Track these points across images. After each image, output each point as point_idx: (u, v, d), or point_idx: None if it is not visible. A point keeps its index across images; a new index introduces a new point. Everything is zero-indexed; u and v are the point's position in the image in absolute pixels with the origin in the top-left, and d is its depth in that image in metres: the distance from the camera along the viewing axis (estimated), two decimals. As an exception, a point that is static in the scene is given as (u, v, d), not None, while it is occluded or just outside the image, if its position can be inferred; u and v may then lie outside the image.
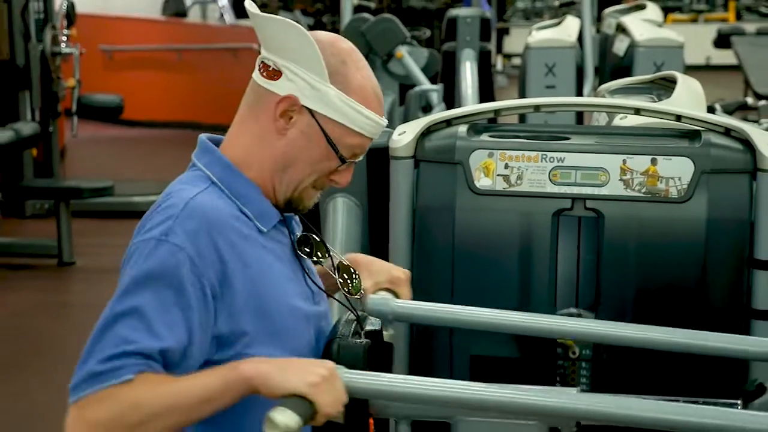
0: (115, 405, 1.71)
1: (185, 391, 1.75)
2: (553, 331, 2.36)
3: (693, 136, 2.61)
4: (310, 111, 1.92)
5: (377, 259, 2.24)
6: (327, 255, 2.07)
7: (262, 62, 1.94)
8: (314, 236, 2.07)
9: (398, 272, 2.19)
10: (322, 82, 1.90)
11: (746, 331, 2.52)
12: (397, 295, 2.14)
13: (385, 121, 1.98)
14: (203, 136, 2.01)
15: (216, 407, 1.76)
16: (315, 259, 2.05)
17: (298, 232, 2.05)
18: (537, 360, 2.53)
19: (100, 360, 1.73)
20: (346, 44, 1.98)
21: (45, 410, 4.93)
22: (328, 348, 2.02)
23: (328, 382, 1.72)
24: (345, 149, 1.94)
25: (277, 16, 1.95)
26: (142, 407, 1.72)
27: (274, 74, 1.92)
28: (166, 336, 1.76)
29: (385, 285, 2.15)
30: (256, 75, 1.95)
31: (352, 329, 2.06)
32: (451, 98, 7.31)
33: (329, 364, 1.78)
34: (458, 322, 2.29)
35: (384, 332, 2.12)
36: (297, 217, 2.09)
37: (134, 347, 1.73)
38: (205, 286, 1.81)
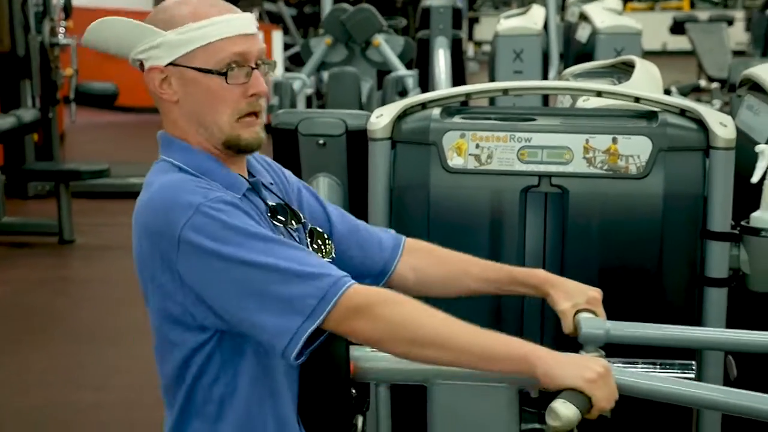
0: (385, 309, 1.79)
1: (466, 335, 1.80)
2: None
3: (651, 116, 2.62)
4: (171, 64, 1.88)
5: (569, 279, 2.16)
6: (300, 222, 2.04)
7: (134, 60, 1.93)
8: (288, 206, 2.04)
9: (594, 293, 2.12)
10: (160, 37, 1.87)
11: (700, 297, 2.56)
12: (595, 315, 2.09)
13: (230, 15, 1.90)
14: (160, 132, 1.98)
15: (484, 367, 1.80)
16: (289, 226, 2.00)
17: (273, 202, 2.00)
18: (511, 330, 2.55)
19: (316, 277, 1.78)
20: (167, 3, 1.94)
21: (46, 379, 4.91)
22: None
23: (604, 379, 1.72)
24: (221, 64, 1.87)
25: (103, 22, 1.95)
26: (414, 320, 1.79)
27: (139, 65, 1.92)
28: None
29: (584, 306, 2.08)
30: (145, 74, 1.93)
31: None
32: (425, 83, 7.31)
33: (605, 362, 1.78)
34: (648, 340, 2.25)
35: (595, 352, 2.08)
36: (274, 188, 2.06)
37: (323, 267, 1.82)
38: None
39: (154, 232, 1.83)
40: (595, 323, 2.04)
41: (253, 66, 1.90)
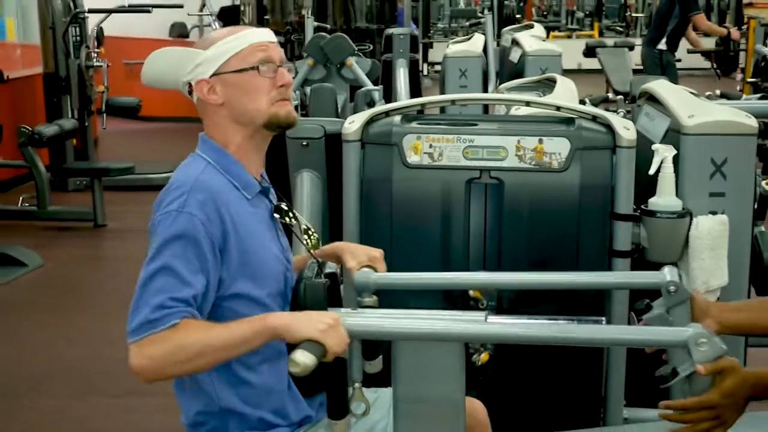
0: (167, 345, 1.73)
1: (223, 336, 1.76)
2: (471, 284, 2.45)
3: (569, 122, 2.62)
4: (214, 74, 1.92)
5: (357, 244, 2.26)
6: (294, 219, 2.07)
7: (185, 83, 1.96)
8: (285, 206, 2.07)
9: (375, 252, 2.16)
10: (202, 56, 1.93)
11: (609, 266, 2.57)
12: (375, 270, 2.13)
13: (252, 28, 2.02)
14: (202, 133, 2.01)
15: (248, 349, 1.79)
16: (285, 221, 2.04)
17: (275, 201, 2.04)
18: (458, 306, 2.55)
19: (152, 309, 1.74)
20: (207, 36, 2.03)
21: (85, 337, 4.89)
22: (296, 286, 2.02)
23: (334, 328, 1.73)
24: (252, 63, 1.93)
25: (161, 52, 1.97)
26: (187, 347, 1.74)
27: (190, 88, 1.96)
28: (193, 282, 1.78)
29: (366, 263, 2.13)
30: (190, 96, 1.99)
31: (315, 272, 2.06)
32: (388, 96, 7.28)
33: (334, 314, 1.78)
34: (411, 285, 2.31)
35: (368, 300, 2.11)
36: (273, 190, 2.08)
37: (175, 295, 1.75)
38: (214, 242, 1.83)
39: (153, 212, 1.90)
40: (364, 275, 2.09)
41: (278, 65, 1.96)
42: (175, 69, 1.95)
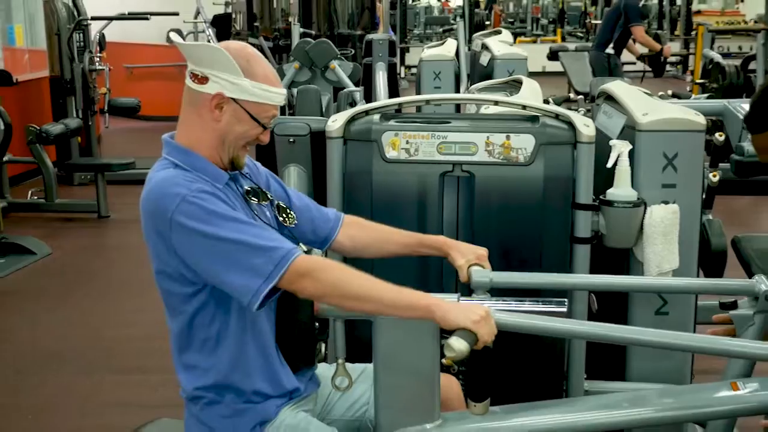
0: (320, 272, 1.84)
1: (381, 288, 1.84)
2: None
3: (534, 119, 2.62)
4: (234, 99, 1.90)
5: (463, 242, 2.24)
6: (268, 200, 2.06)
7: (192, 73, 1.91)
8: (260, 188, 2.06)
9: (482, 251, 2.18)
10: (238, 78, 1.88)
11: (570, 252, 2.57)
12: (483, 267, 2.15)
13: (284, 91, 1.99)
14: (165, 136, 1.99)
15: (397, 315, 1.83)
16: (260, 202, 2.04)
17: (248, 186, 2.03)
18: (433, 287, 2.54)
19: (269, 250, 1.82)
20: (250, 49, 1.97)
21: (91, 319, 4.88)
22: None
23: (485, 320, 1.76)
24: (264, 119, 1.94)
25: (201, 43, 1.96)
26: (345, 280, 1.85)
27: (203, 80, 1.90)
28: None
29: (474, 261, 2.15)
30: (189, 83, 1.93)
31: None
32: (369, 96, 7.27)
33: (486, 307, 1.82)
34: (527, 285, 2.36)
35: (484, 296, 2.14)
36: (250, 172, 2.09)
37: (270, 242, 1.84)
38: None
39: (153, 216, 1.86)
40: (482, 273, 2.12)
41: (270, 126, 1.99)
42: (211, 60, 1.90)
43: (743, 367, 2.11)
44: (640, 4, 8.77)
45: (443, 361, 1.74)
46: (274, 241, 1.83)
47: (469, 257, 2.14)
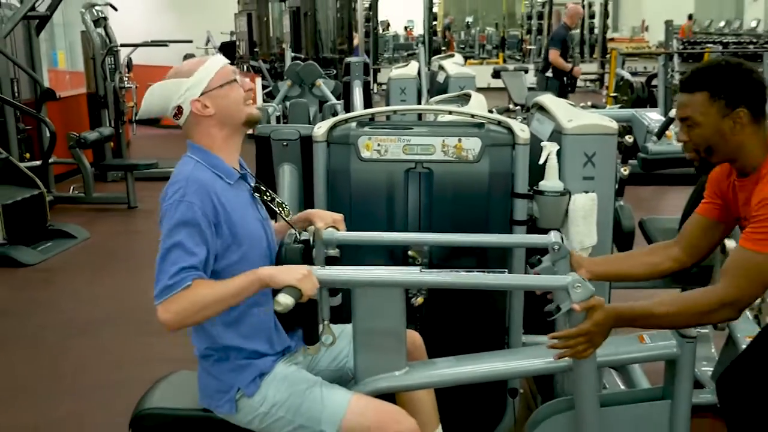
0: (184, 302, 1.74)
1: (225, 290, 1.77)
2: (408, 242, 2.45)
3: (480, 126, 2.62)
4: (203, 93, 1.89)
5: (323, 210, 2.24)
6: (268, 194, 2.05)
7: (173, 113, 1.93)
8: (262, 186, 2.05)
9: (337, 216, 2.17)
10: (185, 84, 1.90)
11: (510, 230, 2.57)
12: (338, 229, 2.15)
13: (218, 56, 2.00)
14: (189, 140, 1.97)
15: (246, 296, 1.81)
16: (263, 197, 2.03)
17: (253, 183, 2.02)
18: (400, 263, 2.54)
19: (169, 277, 1.74)
20: (177, 66, 1.97)
21: (123, 291, 4.86)
22: (279, 250, 2.02)
23: (308, 277, 1.75)
24: (227, 79, 1.92)
25: (149, 97, 1.94)
26: (199, 302, 1.75)
27: (179, 111, 1.92)
28: (197, 252, 1.77)
29: (331, 224, 2.14)
30: (181, 122, 1.94)
31: (293, 239, 2.06)
32: (348, 108, 7.28)
33: (308, 267, 1.80)
34: (364, 241, 2.31)
35: (332, 252, 2.14)
36: (250, 176, 2.06)
37: (185, 264, 1.75)
38: (209, 219, 1.81)
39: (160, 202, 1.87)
40: (330, 233, 2.14)
41: (238, 78, 1.96)
42: (165, 100, 1.91)
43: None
44: (566, 34, 8.82)
45: (275, 308, 1.72)
46: (180, 271, 1.77)
47: (326, 220, 2.14)
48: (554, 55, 8.59)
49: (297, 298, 1.73)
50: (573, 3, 11.80)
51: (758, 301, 3.33)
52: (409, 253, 2.53)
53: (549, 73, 8.69)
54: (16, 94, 6.93)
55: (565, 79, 8.68)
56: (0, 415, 3.31)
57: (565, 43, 8.76)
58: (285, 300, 1.70)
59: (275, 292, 1.75)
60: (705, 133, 1.92)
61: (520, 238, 2.50)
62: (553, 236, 2.18)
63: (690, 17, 15.68)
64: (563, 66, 8.65)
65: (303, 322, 1.91)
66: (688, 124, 1.94)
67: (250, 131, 2.08)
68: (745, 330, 3.11)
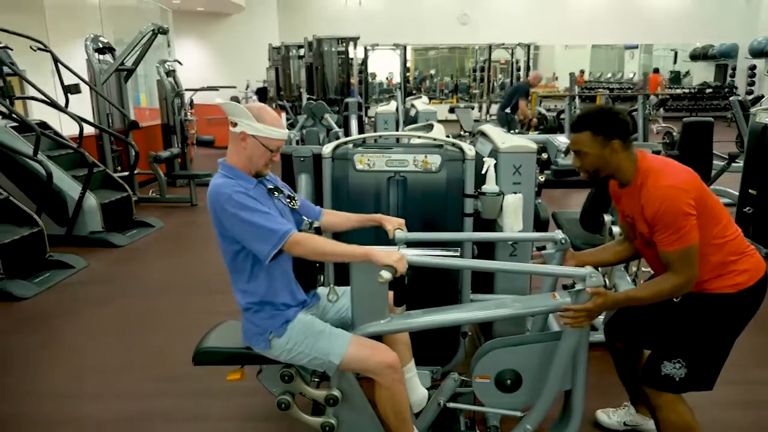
0: (302, 245, 1.79)
1: (341, 248, 1.81)
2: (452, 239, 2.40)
3: (440, 146, 2.62)
4: (253, 135, 1.85)
5: (390, 216, 2.15)
6: (282, 193, 2.00)
7: (230, 122, 1.87)
8: (278, 186, 2.01)
9: (401, 220, 2.12)
10: (253, 122, 1.85)
11: (462, 222, 2.56)
12: (403, 231, 2.09)
13: (285, 131, 1.92)
14: (220, 160, 1.93)
15: (350, 260, 1.82)
16: (278, 195, 1.98)
17: (271, 186, 1.98)
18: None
19: (269, 239, 1.77)
20: (263, 106, 1.92)
21: (187, 268, 4.81)
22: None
23: (401, 260, 1.75)
24: (272, 146, 1.88)
25: (230, 102, 1.88)
26: (319, 246, 1.79)
27: (234, 125, 1.86)
28: (272, 211, 1.84)
29: (397, 227, 2.09)
30: (230, 128, 1.88)
31: (308, 227, 2.04)
32: (347, 134, 7.24)
33: (401, 252, 1.80)
34: (427, 239, 2.32)
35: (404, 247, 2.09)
36: (270, 179, 2.01)
37: (272, 225, 1.79)
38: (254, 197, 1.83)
39: (213, 204, 1.83)
40: (402, 234, 2.08)
41: (279, 152, 1.91)
42: (236, 114, 1.87)
43: (551, 284, 2.16)
44: (528, 89, 8.78)
45: (379, 280, 1.72)
46: (279, 224, 1.78)
47: (394, 224, 2.11)
48: (523, 104, 8.60)
49: (393, 274, 1.73)
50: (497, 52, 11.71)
51: (634, 268, 3.36)
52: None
53: (508, 110, 8.71)
54: (111, 125, 6.86)
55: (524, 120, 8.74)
56: (104, 350, 3.29)
57: (527, 94, 8.78)
58: (386, 275, 1.71)
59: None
60: (592, 160, 1.92)
61: (536, 235, 2.41)
62: (560, 234, 2.16)
63: (582, 72, 15.46)
64: (528, 114, 8.68)
65: (395, 289, 1.90)
66: (579, 154, 1.95)
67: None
68: (626, 289, 3.13)
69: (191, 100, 8.76)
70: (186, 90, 8.31)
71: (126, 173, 6.70)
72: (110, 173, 5.96)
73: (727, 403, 2.62)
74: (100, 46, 6.88)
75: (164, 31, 6.89)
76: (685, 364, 1.88)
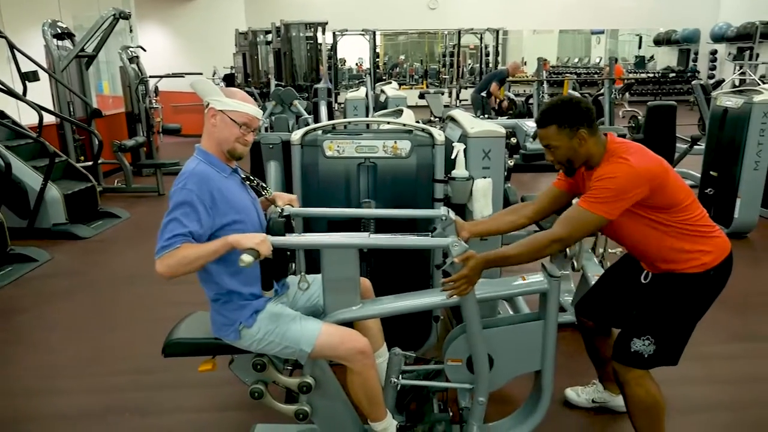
0: (174, 258, 1.68)
1: (204, 250, 1.71)
2: (356, 214, 2.38)
3: (410, 132, 2.60)
4: (221, 111, 1.82)
5: (285, 193, 2.17)
6: (253, 182, 1.99)
7: (204, 103, 1.83)
8: (249, 176, 1.99)
9: (293, 196, 2.14)
10: (222, 98, 1.82)
11: (432, 206, 2.56)
12: (292, 206, 2.10)
13: (257, 108, 1.87)
14: (196, 144, 1.89)
15: (219, 255, 1.75)
16: (250, 184, 1.96)
17: (244, 175, 1.95)
18: (354, 228, 2.52)
19: (165, 240, 1.69)
20: (234, 89, 1.88)
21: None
22: (268, 222, 1.97)
23: (264, 242, 1.70)
24: (241, 122, 1.84)
25: (201, 79, 1.85)
26: (185, 257, 1.69)
27: (206, 106, 1.83)
28: (189, 225, 1.72)
29: (288, 202, 2.10)
30: (205, 111, 1.85)
31: (278, 214, 2.02)
32: (316, 120, 7.18)
33: (264, 234, 1.75)
34: (313, 215, 2.27)
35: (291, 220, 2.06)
36: (240, 171, 1.98)
37: (178, 232, 1.70)
38: (204, 202, 1.76)
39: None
40: (290, 209, 2.08)
41: (252, 130, 1.86)
42: (207, 91, 1.84)
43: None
44: (505, 77, 8.91)
45: (240, 264, 1.65)
46: (172, 237, 1.72)
47: (284, 200, 2.11)
48: (495, 87, 8.71)
49: (256, 257, 1.68)
50: (469, 45, 11.75)
51: (601, 249, 3.42)
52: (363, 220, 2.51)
53: (484, 94, 8.78)
54: (72, 113, 6.67)
55: (494, 104, 8.86)
56: (70, 344, 3.21)
57: (503, 81, 8.88)
58: (247, 258, 1.65)
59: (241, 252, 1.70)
60: (563, 152, 1.94)
61: (416, 212, 2.39)
62: (442, 209, 2.17)
63: (545, 60, 15.45)
64: (499, 96, 8.82)
65: (264, 272, 1.83)
66: (550, 148, 1.96)
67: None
68: (594, 270, 3.19)
69: (156, 87, 8.59)
70: (150, 77, 8.13)
71: (89, 163, 6.52)
72: (73, 163, 5.81)
73: (691, 378, 2.71)
74: (59, 31, 6.66)
75: (126, 16, 6.69)
76: (653, 341, 1.92)
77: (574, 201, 2.42)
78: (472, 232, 2.15)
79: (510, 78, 9.05)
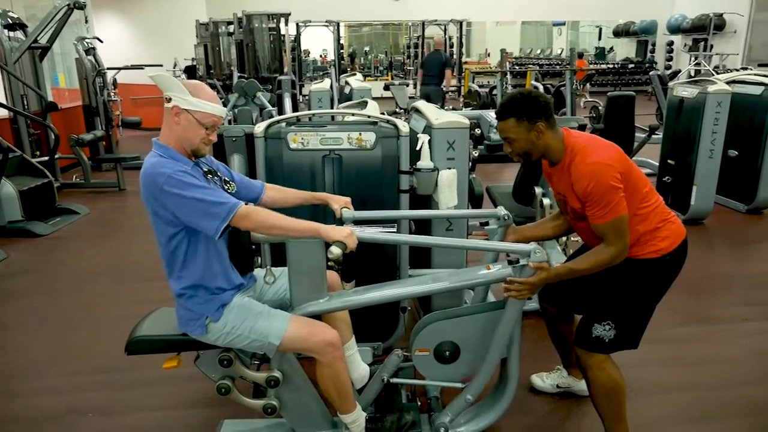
0: (259, 215, 1.77)
1: (288, 223, 1.78)
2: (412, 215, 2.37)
3: (375, 123, 2.59)
4: (186, 110, 1.77)
5: (336, 195, 2.12)
6: (217, 176, 1.93)
7: (165, 97, 1.78)
8: (213, 169, 1.93)
9: (347, 199, 2.10)
10: (188, 96, 1.77)
11: (398, 199, 2.56)
12: (349, 209, 2.07)
13: (222, 108, 1.84)
14: (154, 139, 1.83)
15: (300, 236, 1.81)
16: (213, 177, 1.90)
17: (206, 168, 1.89)
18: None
19: (221, 204, 1.73)
20: (198, 83, 1.83)
21: (119, 250, 4.62)
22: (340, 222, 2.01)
23: (350, 236, 1.74)
24: (207, 123, 1.79)
25: (164, 74, 1.80)
26: (266, 220, 1.77)
27: (168, 100, 1.77)
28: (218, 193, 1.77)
29: (343, 206, 2.07)
30: (165, 104, 1.79)
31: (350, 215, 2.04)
32: (280, 113, 7.10)
33: (351, 228, 1.80)
34: (374, 217, 2.27)
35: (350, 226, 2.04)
36: (208, 160, 1.94)
37: (222, 198, 1.75)
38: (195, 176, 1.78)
39: (149, 186, 1.74)
40: (349, 212, 2.07)
41: (215, 130, 1.83)
42: (169, 87, 1.77)
43: (492, 257, 2.20)
44: (453, 59, 9.14)
45: (329, 256, 1.72)
46: (224, 198, 1.73)
47: (341, 203, 2.09)
48: (449, 74, 8.83)
49: (344, 250, 1.73)
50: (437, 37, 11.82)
51: (564, 238, 3.49)
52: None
53: (443, 85, 8.83)
54: (26, 107, 6.44)
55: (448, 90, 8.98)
56: (28, 345, 3.12)
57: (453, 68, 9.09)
58: (336, 251, 1.71)
59: (327, 244, 1.76)
60: (521, 145, 1.97)
61: (480, 212, 2.40)
62: (502, 210, 2.18)
63: (507, 52, 15.65)
64: (450, 83, 8.96)
65: (344, 265, 1.92)
66: (508, 141, 1.98)
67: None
68: (557, 259, 3.26)
69: (114, 80, 8.36)
70: (108, 69, 7.91)
71: (46, 158, 6.32)
72: (28, 158, 5.61)
73: (651, 361, 2.79)
74: (10, 21, 6.41)
75: (81, 6, 6.49)
76: (613, 326, 1.98)
77: (545, 201, 2.49)
78: (522, 235, 2.18)
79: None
